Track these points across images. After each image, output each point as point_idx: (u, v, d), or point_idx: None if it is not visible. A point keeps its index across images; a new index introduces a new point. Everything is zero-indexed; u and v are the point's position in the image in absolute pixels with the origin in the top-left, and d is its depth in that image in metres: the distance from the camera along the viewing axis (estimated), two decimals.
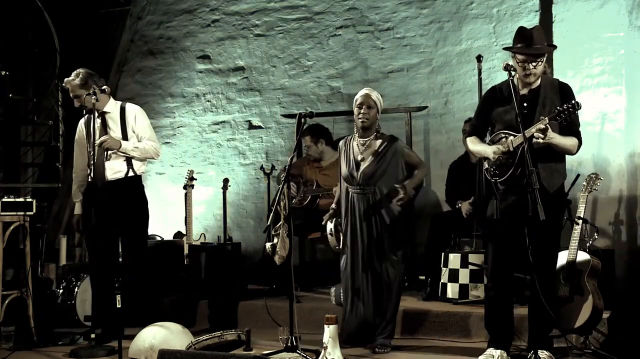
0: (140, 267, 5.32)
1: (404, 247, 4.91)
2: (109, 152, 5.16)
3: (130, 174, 5.24)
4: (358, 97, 4.86)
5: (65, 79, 5.25)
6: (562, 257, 4.66)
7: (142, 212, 5.36)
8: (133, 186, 5.29)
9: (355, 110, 4.87)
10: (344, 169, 4.95)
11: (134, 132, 5.27)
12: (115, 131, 5.24)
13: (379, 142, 4.87)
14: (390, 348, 4.78)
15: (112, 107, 5.30)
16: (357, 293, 4.87)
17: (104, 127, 5.24)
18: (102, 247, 5.22)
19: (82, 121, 5.40)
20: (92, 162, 5.04)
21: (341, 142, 5.07)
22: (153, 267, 5.62)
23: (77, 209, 5.40)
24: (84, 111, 5.36)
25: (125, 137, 5.23)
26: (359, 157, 4.88)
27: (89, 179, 5.11)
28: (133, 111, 5.33)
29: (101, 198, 5.08)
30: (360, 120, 4.83)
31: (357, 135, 4.95)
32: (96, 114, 5.10)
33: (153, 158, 5.45)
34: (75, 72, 5.22)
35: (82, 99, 5.14)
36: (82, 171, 5.32)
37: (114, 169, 5.21)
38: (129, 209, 5.25)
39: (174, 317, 5.26)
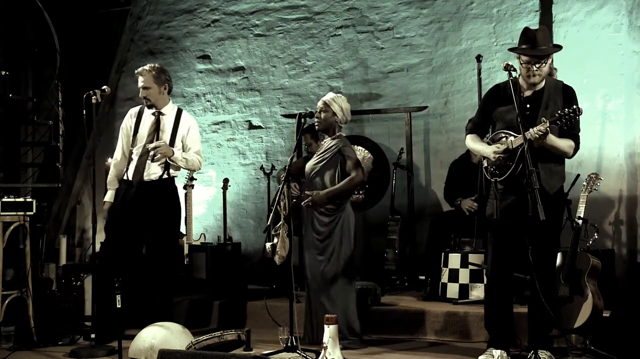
0: (167, 269, 5.28)
1: (340, 242, 4.92)
2: (158, 156, 5.10)
3: (165, 176, 5.21)
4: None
5: (141, 67, 5.26)
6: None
7: (174, 213, 5.32)
8: (167, 188, 5.26)
9: None
10: None
11: (182, 142, 5.28)
12: (166, 134, 5.25)
13: (327, 143, 5.01)
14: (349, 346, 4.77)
15: (169, 109, 5.32)
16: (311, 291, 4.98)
17: (158, 127, 5.24)
18: (117, 245, 5.17)
19: (134, 111, 5.37)
20: (130, 159, 5.19)
21: None
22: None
23: (109, 197, 5.32)
24: (144, 104, 5.34)
25: (172, 142, 5.23)
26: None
27: (125, 177, 5.20)
28: (188, 122, 5.33)
29: (130, 197, 5.12)
30: (314, 123, 5.03)
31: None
32: (140, 113, 5.27)
33: (194, 170, 5.45)
34: (150, 64, 5.26)
35: (149, 91, 5.17)
36: (122, 162, 5.32)
37: (151, 170, 5.18)
38: (162, 210, 5.21)
39: (174, 317, 5.25)
